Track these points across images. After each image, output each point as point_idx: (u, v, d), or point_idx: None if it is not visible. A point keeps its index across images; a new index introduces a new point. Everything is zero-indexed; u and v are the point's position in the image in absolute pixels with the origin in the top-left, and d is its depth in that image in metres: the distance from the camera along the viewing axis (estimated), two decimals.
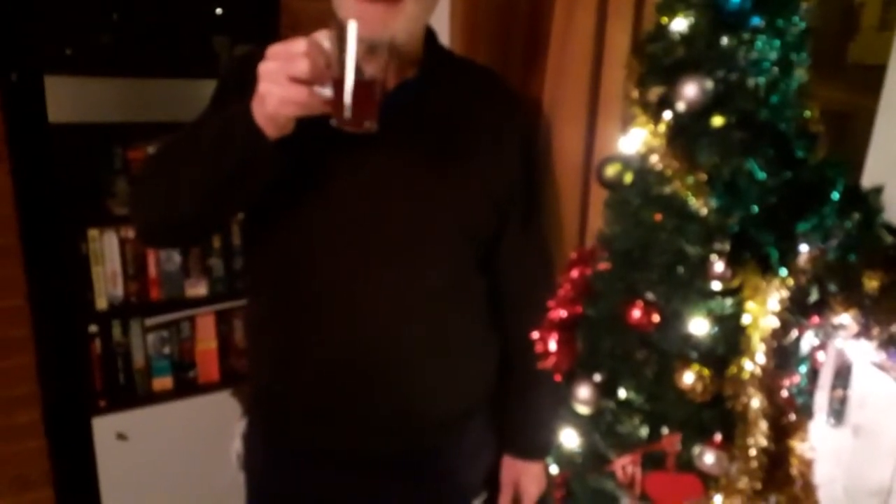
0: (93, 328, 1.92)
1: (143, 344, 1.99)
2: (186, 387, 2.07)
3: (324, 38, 0.81)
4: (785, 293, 0.71)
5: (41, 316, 1.87)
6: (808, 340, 0.82)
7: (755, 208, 0.70)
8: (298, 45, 0.79)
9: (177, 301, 2.01)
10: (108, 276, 1.90)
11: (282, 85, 0.79)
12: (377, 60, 0.82)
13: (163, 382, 2.04)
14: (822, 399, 0.97)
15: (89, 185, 1.88)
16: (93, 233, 1.87)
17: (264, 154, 0.85)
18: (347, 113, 0.80)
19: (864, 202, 0.70)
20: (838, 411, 0.97)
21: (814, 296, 0.77)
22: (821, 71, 0.76)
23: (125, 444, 1.94)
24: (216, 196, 0.91)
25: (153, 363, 2.02)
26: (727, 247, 0.71)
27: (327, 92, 0.80)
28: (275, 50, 0.81)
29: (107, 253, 1.89)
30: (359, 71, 0.79)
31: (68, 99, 1.73)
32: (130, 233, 1.87)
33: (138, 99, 1.81)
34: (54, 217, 1.81)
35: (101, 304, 1.91)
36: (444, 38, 1.24)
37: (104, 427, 1.92)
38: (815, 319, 0.80)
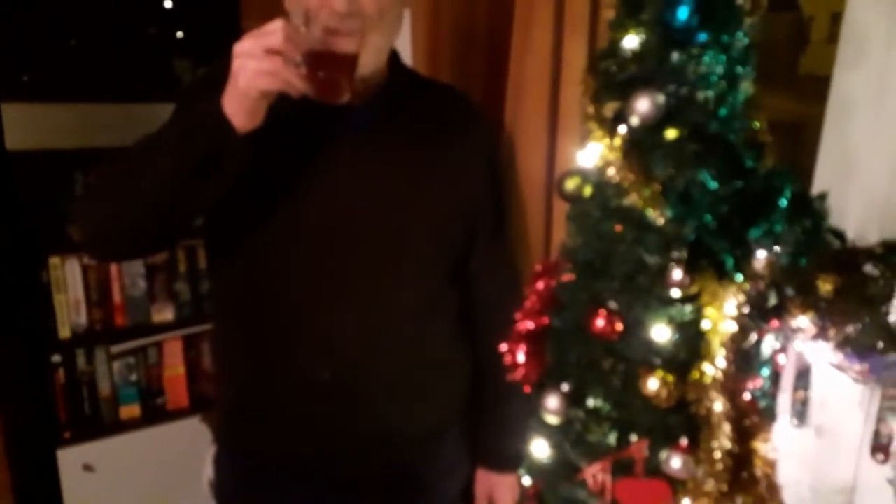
0: (56, 358, 1.88)
1: (108, 372, 1.96)
2: (155, 414, 2.03)
3: (297, 18, 0.84)
4: (741, 298, 0.73)
5: (2, 346, 1.82)
6: (770, 344, 0.84)
7: (708, 217, 0.72)
8: (273, 23, 0.81)
9: (143, 327, 1.98)
10: (70, 304, 1.87)
11: (257, 58, 0.80)
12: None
13: (130, 410, 2.00)
14: (784, 401, 0.99)
15: (50, 213, 1.83)
16: (54, 261, 1.84)
17: (232, 146, 0.84)
18: (322, 84, 0.82)
19: (811, 208, 0.73)
20: (801, 412, 0.99)
21: (772, 300, 0.80)
22: (774, 82, 0.79)
23: (92, 475, 1.89)
24: (177, 192, 0.87)
25: (120, 391, 1.98)
26: (684, 255, 0.73)
27: (302, 68, 0.82)
28: (250, 32, 0.83)
29: (69, 280, 1.86)
30: (333, 44, 0.83)
31: (26, 125, 1.70)
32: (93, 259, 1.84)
33: (98, 124, 1.79)
34: (14, 245, 1.77)
35: (65, 332, 1.87)
36: (407, 58, 1.26)
37: (70, 459, 1.87)
38: (775, 323, 0.83)
